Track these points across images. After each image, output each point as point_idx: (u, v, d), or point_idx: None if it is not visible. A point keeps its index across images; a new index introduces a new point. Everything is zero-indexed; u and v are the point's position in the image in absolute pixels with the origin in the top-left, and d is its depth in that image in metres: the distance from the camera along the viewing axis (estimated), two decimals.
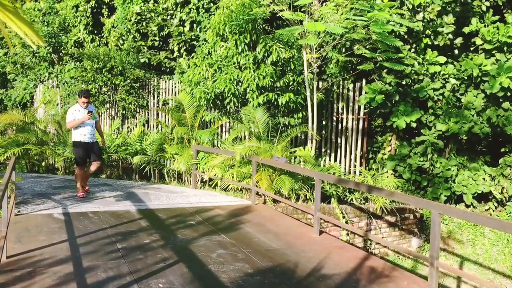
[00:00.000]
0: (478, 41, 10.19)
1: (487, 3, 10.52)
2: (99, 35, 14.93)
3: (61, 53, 15.17)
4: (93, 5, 14.38)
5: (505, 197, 9.93)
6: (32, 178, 10.38)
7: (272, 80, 9.48)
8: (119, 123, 13.02)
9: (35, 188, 9.14)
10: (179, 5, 12.73)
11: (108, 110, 13.51)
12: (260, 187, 8.39)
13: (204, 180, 10.44)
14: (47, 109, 13.68)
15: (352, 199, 9.32)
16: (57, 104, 14.22)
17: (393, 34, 9.88)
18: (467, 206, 10.05)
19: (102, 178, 11.26)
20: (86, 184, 8.69)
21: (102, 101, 13.14)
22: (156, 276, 4.62)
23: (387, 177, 10.17)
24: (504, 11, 11.15)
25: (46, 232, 6.02)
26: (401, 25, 9.42)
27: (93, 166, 8.38)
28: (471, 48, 10.63)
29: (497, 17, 10.26)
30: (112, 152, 11.47)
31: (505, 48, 10.05)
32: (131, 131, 12.98)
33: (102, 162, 11.60)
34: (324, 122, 11.16)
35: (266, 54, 9.58)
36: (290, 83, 9.92)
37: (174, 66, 13.17)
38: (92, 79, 12.67)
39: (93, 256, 5.14)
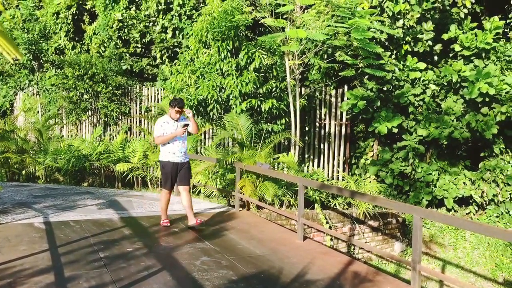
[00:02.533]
0: (457, 47, 10.37)
1: (465, 10, 10.73)
2: (81, 42, 14.81)
3: (41, 60, 15.00)
4: (74, 12, 14.27)
5: (485, 201, 10.09)
6: (12, 187, 10.22)
7: (255, 86, 9.51)
8: (101, 130, 12.91)
9: (15, 197, 9.00)
10: (161, 12, 12.70)
11: (90, 118, 13.38)
12: (243, 194, 8.39)
13: None
14: (27, 117, 13.51)
15: (335, 204, 9.37)
16: (38, 112, 14.04)
17: (374, 40, 10.00)
18: (448, 210, 10.18)
19: (84, 186, 11.14)
20: (166, 217, 7.08)
21: (84, 109, 13.02)
22: (139, 285, 4.58)
23: (370, 182, 10.25)
24: (481, 18, 11.38)
25: (26, 241, 5.93)
26: (381, 32, 9.54)
27: (183, 194, 6.80)
28: (450, 55, 10.81)
29: (475, 24, 10.46)
30: (94, 160, 11.36)
31: (483, 54, 10.25)
32: (113, 138, 12.87)
33: (85, 171, 11.51)
34: (307, 128, 11.22)
35: (248, 61, 9.62)
36: (273, 90, 9.96)
37: (156, 73, 13.12)
38: (73, 86, 12.54)
39: (75, 266, 5.07)
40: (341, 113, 10.90)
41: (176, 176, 6.79)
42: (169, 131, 6.65)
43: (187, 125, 6.62)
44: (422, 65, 10.18)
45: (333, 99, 10.98)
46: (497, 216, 9.90)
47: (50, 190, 10.07)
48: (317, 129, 11.19)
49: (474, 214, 10.27)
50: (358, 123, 11.26)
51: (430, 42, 10.43)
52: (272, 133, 9.81)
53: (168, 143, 6.68)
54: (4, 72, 15.45)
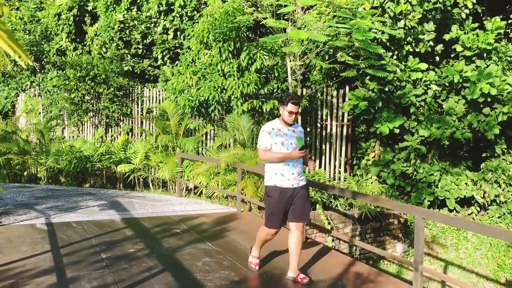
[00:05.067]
0: (459, 48, 10.36)
1: (467, 11, 10.72)
2: (82, 43, 14.82)
3: (43, 62, 15.02)
4: (75, 13, 14.29)
5: (487, 201, 10.07)
6: (14, 188, 10.23)
7: (256, 87, 9.51)
8: (103, 131, 12.92)
9: (17, 198, 9.01)
10: (163, 13, 12.71)
11: (91, 119, 13.40)
12: (245, 195, 8.39)
13: (189, 188, 10.40)
14: (29, 118, 13.54)
15: (337, 205, 9.36)
16: (39, 113, 14.06)
17: (376, 41, 10.00)
18: (450, 210, 10.17)
19: (85, 188, 11.15)
20: (258, 254, 5.31)
21: (85, 110, 13.03)
22: (141, 286, 4.58)
23: (371, 183, 10.24)
24: (483, 18, 11.37)
25: (28, 242, 5.93)
26: (383, 32, 9.54)
27: (294, 234, 4.86)
28: (452, 55, 10.80)
29: (476, 24, 10.45)
30: (95, 161, 11.36)
31: (485, 55, 10.24)
32: (115, 139, 12.88)
33: (86, 172, 11.51)
34: (308, 129, 11.21)
35: (250, 62, 9.62)
36: (274, 91, 9.96)
37: (158, 74, 13.13)
38: (75, 88, 12.56)
39: (77, 267, 5.07)
40: (343, 113, 10.90)
41: (288, 207, 4.82)
42: (278, 140, 4.76)
43: (305, 147, 4.82)
44: (424, 66, 10.17)
45: (334, 100, 10.98)
46: (499, 217, 9.88)
47: (52, 191, 10.08)
48: (318, 130, 11.18)
49: (476, 215, 10.25)
50: (359, 123, 11.25)
51: (431, 43, 10.42)
52: None
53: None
54: (6, 73, 15.47)
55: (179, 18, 12.50)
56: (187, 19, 12.39)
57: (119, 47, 13.26)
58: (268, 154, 4.76)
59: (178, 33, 12.66)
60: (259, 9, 9.46)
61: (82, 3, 14.35)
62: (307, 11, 9.48)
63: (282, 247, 6.26)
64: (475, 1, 10.68)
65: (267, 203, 4.91)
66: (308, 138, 11.19)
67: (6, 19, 14.34)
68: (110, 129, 13.28)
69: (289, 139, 4.79)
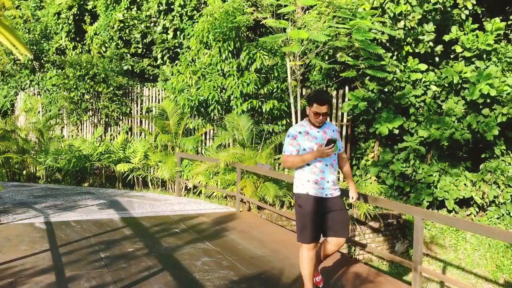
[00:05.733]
0: (458, 48, 10.37)
1: (466, 12, 10.72)
2: (82, 42, 14.82)
3: (42, 61, 15.01)
4: (75, 12, 14.28)
5: (486, 202, 10.07)
6: (13, 187, 10.22)
7: (256, 87, 9.50)
8: (102, 130, 12.91)
9: (16, 197, 9.00)
10: (162, 13, 12.71)
11: (90, 118, 13.39)
12: (244, 194, 8.38)
13: (188, 187, 10.39)
14: (28, 117, 13.52)
15: None
16: (39, 112, 14.05)
17: (375, 42, 10.00)
18: (449, 211, 10.17)
19: (84, 187, 11.14)
20: (316, 272, 4.64)
21: (85, 109, 13.02)
22: (140, 285, 4.58)
23: (371, 183, 10.24)
24: (483, 19, 11.37)
25: (27, 241, 5.93)
26: (382, 33, 9.54)
27: (333, 248, 4.39)
28: (451, 56, 10.80)
29: (476, 25, 10.45)
30: (95, 160, 11.36)
31: (484, 56, 10.24)
32: (114, 138, 12.87)
33: (86, 171, 11.50)
34: None
35: (250, 62, 9.61)
36: (274, 90, 9.96)
37: (157, 74, 13.12)
38: (75, 87, 12.55)
39: (76, 266, 5.07)
40: (342, 114, 10.90)
41: (323, 220, 4.25)
42: (307, 146, 4.19)
43: (334, 141, 4.06)
44: (423, 66, 10.17)
45: (334, 100, 10.98)
46: (498, 218, 9.88)
47: (50, 190, 10.07)
48: None
49: (475, 216, 10.25)
50: (359, 124, 11.25)
51: (431, 43, 10.42)
52: (273, 134, 9.81)
53: (308, 164, 4.20)
54: (5, 72, 15.46)
55: (179, 18, 12.49)
56: (187, 18, 12.38)
57: (119, 46, 13.26)
58: (291, 159, 4.19)
59: (178, 32, 12.65)
60: (259, 9, 9.46)
61: (82, 2, 14.35)
62: (307, 11, 9.48)
63: (281, 247, 6.26)
64: (475, 2, 10.68)
65: (298, 215, 4.25)
66: None
67: (8, 13, 14.34)
68: (109, 128, 13.27)
69: (320, 143, 4.15)
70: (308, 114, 4.30)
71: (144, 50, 13.37)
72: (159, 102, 12.59)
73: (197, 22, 11.19)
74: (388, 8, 10.02)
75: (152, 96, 13.01)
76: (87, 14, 14.51)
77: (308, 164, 4.19)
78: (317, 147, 4.11)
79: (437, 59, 10.86)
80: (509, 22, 11.39)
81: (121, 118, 13.15)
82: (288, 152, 4.23)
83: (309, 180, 4.19)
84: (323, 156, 4.08)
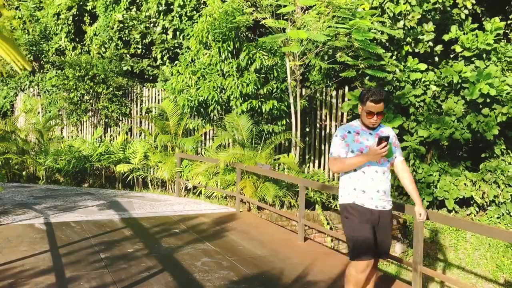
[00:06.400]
0: (458, 48, 10.36)
1: (466, 11, 10.72)
2: (81, 43, 14.81)
3: (42, 61, 15.00)
4: (74, 13, 14.27)
5: (486, 202, 10.07)
6: (13, 188, 10.22)
7: (256, 87, 9.50)
8: (102, 131, 12.91)
9: (16, 198, 9.00)
10: (162, 13, 12.70)
11: (90, 118, 13.38)
12: (244, 195, 8.38)
13: (188, 188, 10.39)
14: (28, 117, 13.52)
15: (336, 205, 9.35)
16: (38, 113, 14.05)
17: (375, 41, 10.00)
18: (449, 211, 10.17)
19: (84, 187, 11.14)
20: None
21: (84, 109, 13.01)
22: (140, 286, 4.58)
23: None
24: (482, 19, 11.37)
25: (27, 242, 5.92)
26: (382, 32, 9.54)
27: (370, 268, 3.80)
28: (451, 55, 10.80)
29: (476, 25, 10.45)
30: (94, 161, 11.35)
31: (484, 55, 10.24)
32: (114, 139, 12.87)
33: (85, 172, 11.49)
34: (307, 129, 11.21)
35: (249, 62, 9.61)
36: (274, 91, 9.96)
37: (157, 74, 13.12)
38: (74, 87, 12.54)
39: (76, 266, 5.07)
40: (342, 114, 10.90)
41: (373, 232, 3.70)
42: (356, 147, 3.69)
43: (387, 138, 3.47)
44: (423, 66, 10.17)
45: (333, 100, 10.98)
46: (498, 217, 9.88)
47: (50, 191, 10.07)
48: (317, 130, 11.18)
49: (475, 215, 10.25)
50: None
51: (430, 43, 10.42)
52: (273, 134, 9.80)
53: (355, 170, 3.70)
54: (5, 73, 15.45)
55: (178, 18, 12.49)
56: (186, 19, 12.38)
57: (118, 47, 13.25)
58: (339, 163, 3.68)
59: (178, 33, 12.65)
60: (258, 9, 9.46)
61: (81, 3, 14.33)
62: (306, 11, 9.48)
63: (282, 247, 6.25)
64: (474, 2, 10.68)
65: (347, 228, 3.71)
66: (307, 138, 11.18)
67: (5, 20, 14.36)
68: (109, 129, 13.27)
69: (369, 145, 3.62)
70: (360, 114, 3.74)
71: (143, 50, 13.37)
72: (158, 103, 12.58)
73: (197, 22, 11.18)
74: (388, 7, 10.02)
75: (151, 97, 13.00)
76: (86, 14, 14.50)
77: (355, 170, 3.65)
78: (370, 148, 3.53)
79: (436, 58, 10.86)
80: (508, 22, 11.39)
81: (120, 119, 13.15)
82: (335, 154, 3.73)
83: (356, 189, 3.67)
84: (375, 159, 3.50)
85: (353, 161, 3.63)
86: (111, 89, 12.62)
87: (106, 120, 13.07)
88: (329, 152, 3.77)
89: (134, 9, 13.46)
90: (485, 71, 9.50)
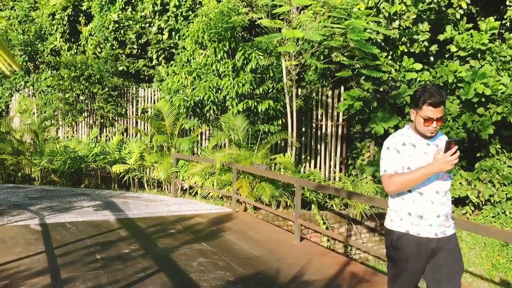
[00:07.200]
0: (453, 48, 10.40)
1: (461, 11, 10.76)
2: (76, 43, 14.76)
3: (37, 62, 14.94)
4: (69, 13, 14.22)
5: (481, 201, 10.11)
6: (8, 189, 10.18)
7: (252, 87, 9.50)
8: (97, 131, 12.88)
9: (11, 198, 8.96)
10: (158, 13, 12.68)
11: (86, 119, 13.34)
12: (240, 195, 8.38)
13: (184, 188, 10.38)
14: (23, 118, 13.47)
15: (332, 205, 9.37)
16: (34, 113, 14.00)
17: (370, 41, 10.02)
18: None
19: (80, 188, 11.10)
20: None
21: (80, 110, 12.98)
22: (136, 286, 4.56)
23: (367, 182, 10.25)
24: (477, 18, 11.42)
25: (22, 243, 5.90)
26: (377, 32, 9.56)
27: None
28: (446, 55, 10.84)
29: (470, 25, 10.49)
30: (90, 161, 11.32)
31: (479, 55, 10.28)
32: (109, 139, 12.83)
33: (81, 172, 11.46)
34: (303, 129, 11.22)
35: (245, 62, 9.60)
36: (270, 91, 9.96)
37: (153, 74, 13.10)
38: (69, 88, 12.50)
39: (72, 267, 5.05)
40: (338, 113, 10.91)
41: (424, 267, 3.11)
42: (413, 164, 2.99)
43: (457, 142, 2.83)
44: (418, 66, 10.20)
45: (329, 100, 10.99)
46: (493, 216, 9.92)
47: (46, 191, 10.03)
48: (313, 130, 11.18)
49: (470, 214, 10.29)
50: (354, 123, 11.26)
51: (426, 43, 10.45)
52: (269, 134, 9.80)
53: (410, 191, 3.02)
54: (0, 73, 15.39)
55: (174, 18, 12.47)
56: (182, 19, 12.37)
57: (114, 47, 13.22)
58: (398, 180, 2.96)
59: (173, 33, 12.64)
60: (254, 9, 9.47)
61: (76, 3, 14.29)
62: (302, 11, 9.49)
63: (278, 247, 6.25)
64: (469, 2, 10.72)
65: (393, 259, 3.14)
66: (303, 138, 11.18)
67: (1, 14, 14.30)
68: (104, 129, 13.23)
69: (429, 156, 2.99)
70: (413, 120, 3.06)
71: (139, 50, 13.34)
72: (154, 103, 12.56)
73: (192, 22, 11.17)
74: (383, 8, 10.04)
75: (147, 97, 12.98)
76: (82, 15, 14.45)
77: (409, 190, 3.01)
78: (434, 154, 2.87)
79: (432, 58, 10.89)
80: (503, 22, 11.43)
81: (116, 119, 13.12)
82: (391, 170, 3.02)
83: (411, 214, 3.01)
84: (443, 169, 2.83)
85: (414, 176, 2.91)
86: (106, 89, 12.58)
87: (102, 120, 13.03)
88: (382, 170, 3.07)
89: (130, 9, 13.43)
90: (480, 71, 9.54)
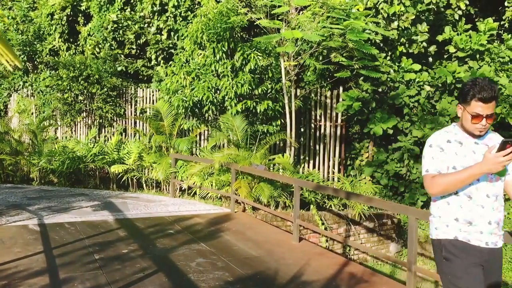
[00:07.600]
0: (452, 49, 10.41)
1: (460, 12, 10.77)
2: (75, 43, 14.75)
3: (36, 62, 14.93)
4: (68, 13, 14.21)
5: None
6: (6, 189, 10.17)
7: (250, 88, 9.50)
8: (96, 132, 12.86)
9: (9, 199, 8.95)
10: (156, 13, 12.68)
11: (84, 119, 13.33)
12: (239, 195, 8.38)
13: (183, 188, 10.37)
14: (21, 118, 13.45)
15: (331, 205, 9.37)
16: (32, 113, 13.98)
17: (369, 42, 10.03)
18: None
19: (78, 188, 11.09)
20: None
21: (78, 110, 12.96)
22: (135, 287, 4.56)
23: (365, 183, 10.26)
24: (476, 19, 11.43)
25: (21, 243, 5.89)
26: (376, 33, 9.57)
27: None
28: (445, 56, 10.85)
29: (469, 26, 10.50)
30: (89, 162, 11.31)
31: (478, 56, 10.29)
32: (108, 140, 12.82)
33: (80, 173, 11.45)
34: (302, 129, 11.22)
35: (244, 62, 9.61)
36: (268, 91, 9.96)
37: (151, 74, 13.10)
38: (68, 88, 12.49)
39: (70, 268, 5.04)
40: (336, 114, 10.91)
41: (481, 279, 2.70)
42: (459, 164, 2.73)
43: (509, 144, 2.53)
44: (417, 67, 10.21)
45: (328, 100, 10.99)
46: None
47: (44, 192, 10.02)
48: (312, 130, 11.19)
49: None
50: (353, 124, 11.27)
51: (424, 44, 10.47)
52: (268, 134, 9.80)
53: (457, 193, 2.75)
54: None
55: (173, 18, 12.47)
56: (181, 19, 12.36)
57: (113, 47, 13.22)
58: (442, 181, 2.69)
59: (172, 33, 12.63)
60: (253, 9, 9.47)
61: (75, 3, 14.28)
62: (301, 12, 9.49)
63: (276, 247, 6.26)
64: (468, 3, 10.74)
65: (448, 273, 2.74)
66: (302, 139, 11.18)
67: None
68: (103, 130, 13.22)
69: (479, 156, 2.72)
70: (460, 117, 2.82)
71: (138, 51, 13.34)
72: (153, 103, 12.56)
73: (191, 23, 11.17)
74: (382, 8, 10.05)
75: (146, 97, 12.97)
76: (80, 15, 14.44)
77: (456, 194, 2.73)
78: (485, 153, 2.61)
79: (430, 59, 10.90)
80: (501, 22, 11.45)
81: (115, 119, 13.11)
82: (434, 170, 2.76)
83: (459, 219, 2.73)
84: (494, 170, 2.56)
85: (460, 177, 2.63)
86: (105, 89, 12.57)
87: (101, 120, 13.02)
88: (424, 170, 2.81)
89: (128, 9, 13.43)
90: (478, 72, 9.55)
